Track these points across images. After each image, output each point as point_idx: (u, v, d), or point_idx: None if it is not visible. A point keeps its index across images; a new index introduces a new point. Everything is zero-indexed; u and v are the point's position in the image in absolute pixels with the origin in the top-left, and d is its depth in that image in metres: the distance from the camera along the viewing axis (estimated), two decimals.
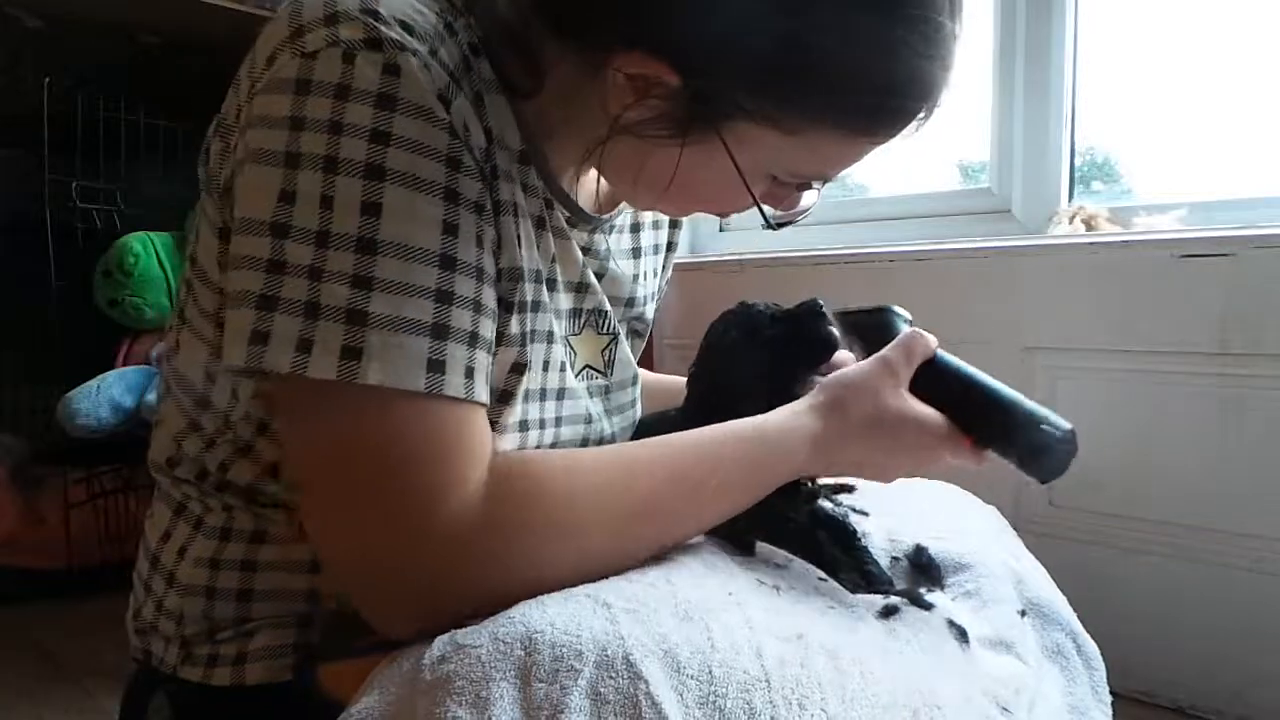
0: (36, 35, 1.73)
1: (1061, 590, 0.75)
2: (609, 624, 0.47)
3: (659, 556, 0.60)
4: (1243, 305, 1.23)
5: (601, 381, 0.76)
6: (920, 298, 1.55)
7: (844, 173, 0.67)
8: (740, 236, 2.08)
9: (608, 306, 0.75)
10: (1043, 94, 1.61)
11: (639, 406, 0.83)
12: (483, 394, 0.55)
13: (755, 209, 0.65)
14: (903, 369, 0.68)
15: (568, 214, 0.68)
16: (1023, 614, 0.66)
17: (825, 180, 0.67)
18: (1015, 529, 0.86)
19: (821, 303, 0.73)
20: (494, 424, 0.60)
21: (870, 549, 0.70)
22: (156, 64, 1.83)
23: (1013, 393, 0.68)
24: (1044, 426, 0.65)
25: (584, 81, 0.60)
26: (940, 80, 0.58)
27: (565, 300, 0.70)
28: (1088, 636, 0.71)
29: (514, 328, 0.61)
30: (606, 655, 0.45)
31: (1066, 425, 0.66)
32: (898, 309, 0.76)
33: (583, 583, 0.53)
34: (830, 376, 0.68)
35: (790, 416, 0.66)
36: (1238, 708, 1.28)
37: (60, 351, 1.72)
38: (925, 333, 0.71)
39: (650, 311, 0.86)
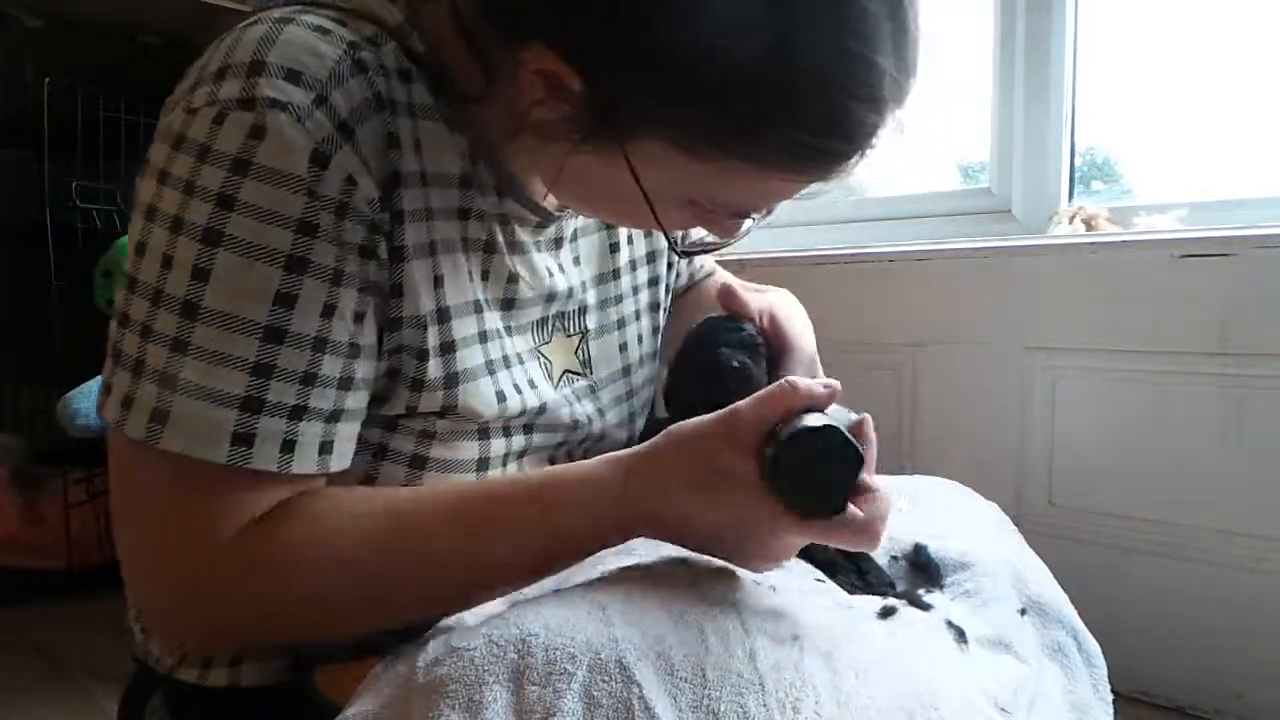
0: (36, 35, 1.73)
1: (1061, 590, 0.75)
2: (603, 626, 0.47)
3: (652, 561, 0.60)
4: (1243, 305, 1.23)
5: (585, 382, 0.75)
6: (920, 298, 1.55)
7: (785, 201, 0.62)
8: None
9: (573, 306, 0.74)
10: (1043, 94, 1.60)
11: (642, 393, 0.83)
12: (307, 465, 0.54)
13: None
14: (749, 421, 0.53)
15: (533, 218, 0.67)
16: (1023, 612, 0.66)
17: (754, 212, 0.63)
18: (1015, 528, 0.86)
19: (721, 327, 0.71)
20: (447, 462, 0.63)
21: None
22: (156, 64, 1.83)
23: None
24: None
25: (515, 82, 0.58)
26: (870, 123, 0.54)
27: (532, 313, 0.70)
28: (1089, 634, 0.70)
29: (433, 372, 0.60)
30: (600, 658, 0.45)
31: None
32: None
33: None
34: (670, 428, 0.57)
35: (599, 469, 0.57)
36: (1238, 708, 1.27)
37: (60, 352, 1.72)
38: (802, 385, 0.54)
39: (659, 267, 0.85)
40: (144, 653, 0.68)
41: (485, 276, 0.65)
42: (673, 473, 0.54)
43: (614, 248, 0.80)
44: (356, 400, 0.57)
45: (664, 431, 0.56)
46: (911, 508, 0.78)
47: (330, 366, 0.55)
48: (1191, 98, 1.56)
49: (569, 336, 0.74)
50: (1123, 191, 1.67)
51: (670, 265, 0.88)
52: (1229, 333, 1.25)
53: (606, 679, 0.44)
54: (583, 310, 0.75)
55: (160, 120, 0.58)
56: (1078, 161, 1.63)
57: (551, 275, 0.71)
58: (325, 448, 0.56)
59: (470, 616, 0.55)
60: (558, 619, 0.48)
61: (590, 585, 0.54)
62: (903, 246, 1.61)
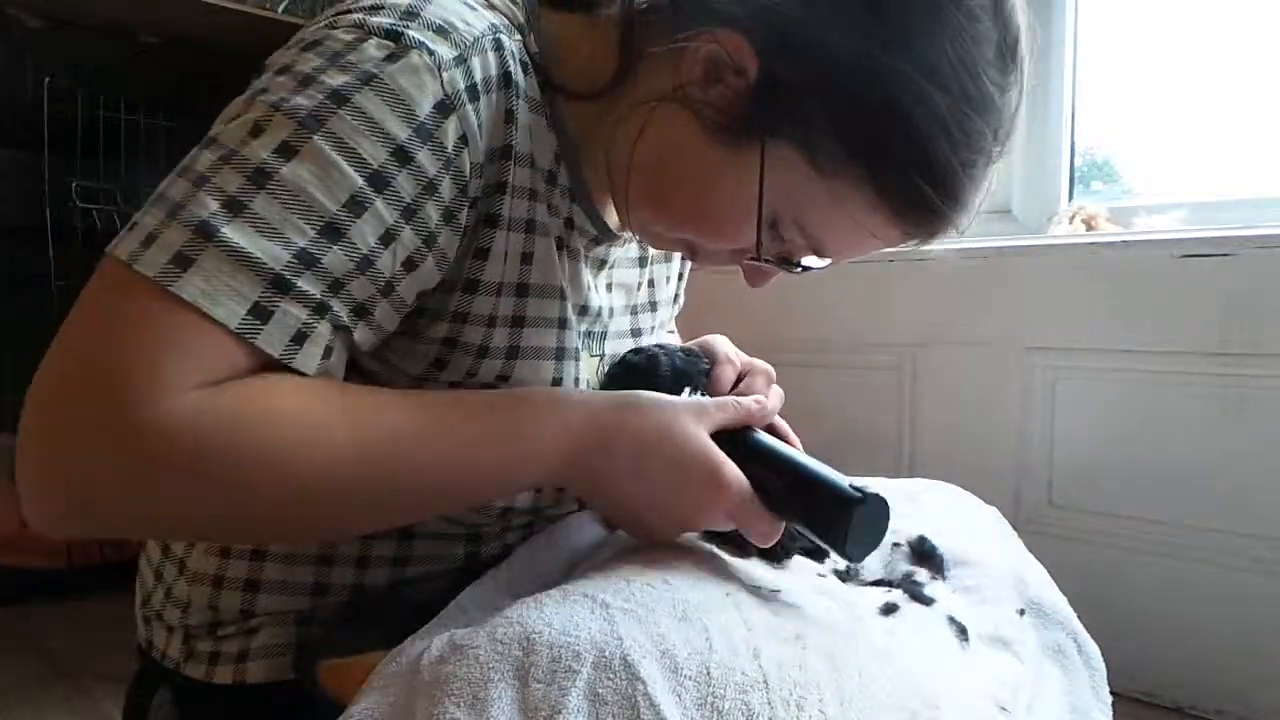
0: (36, 35, 1.73)
1: (1061, 590, 0.75)
2: (607, 624, 0.47)
3: (656, 558, 0.60)
4: (1243, 305, 1.23)
5: None
6: (920, 298, 1.55)
7: (844, 260, 0.66)
8: None
9: (600, 328, 0.75)
10: (1043, 94, 1.60)
11: None
12: (309, 363, 0.52)
13: (742, 259, 0.65)
14: (712, 413, 0.61)
15: (593, 230, 0.68)
16: (1022, 613, 0.66)
17: (824, 254, 0.65)
18: (1015, 529, 0.86)
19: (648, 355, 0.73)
20: None
21: None
22: (156, 64, 1.83)
23: (823, 469, 0.58)
24: (845, 499, 0.55)
25: (662, 71, 0.60)
26: (972, 193, 0.58)
27: (571, 321, 0.70)
28: (1088, 636, 0.70)
29: (498, 339, 0.62)
30: (604, 656, 0.45)
31: (871, 492, 0.56)
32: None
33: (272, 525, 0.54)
34: (639, 395, 0.62)
35: (561, 410, 0.59)
36: (1238, 708, 1.28)
37: None
38: (758, 405, 0.65)
39: (660, 316, 0.85)
40: (148, 643, 0.68)
41: (557, 268, 0.66)
42: (627, 434, 0.59)
43: (639, 285, 0.81)
44: (365, 333, 0.56)
45: (633, 396, 0.61)
46: (911, 508, 0.78)
47: (362, 287, 0.54)
48: (1191, 98, 1.56)
49: (592, 357, 0.74)
50: (1123, 191, 1.67)
51: (675, 298, 0.90)
52: (1229, 333, 1.25)
53: (611, 676, 0.44)
54: (604, 335, 0.76)
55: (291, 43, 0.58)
56: (1078, 161, 1.63)
57: (593, 291, 0.72)
58: (327, 352, 0.53)
59: (476, 612, 0.55)
60: (562, 616, 0.48)
61: (594, 583, 0.54)
62: (903, 246, 1.61)
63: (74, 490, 0.48)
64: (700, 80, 0.58)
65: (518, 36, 0.61)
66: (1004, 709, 0.55)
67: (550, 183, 0.64)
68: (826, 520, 0.56)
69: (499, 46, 0.58)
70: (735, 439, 0.61)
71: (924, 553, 0.69)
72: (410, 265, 0.56)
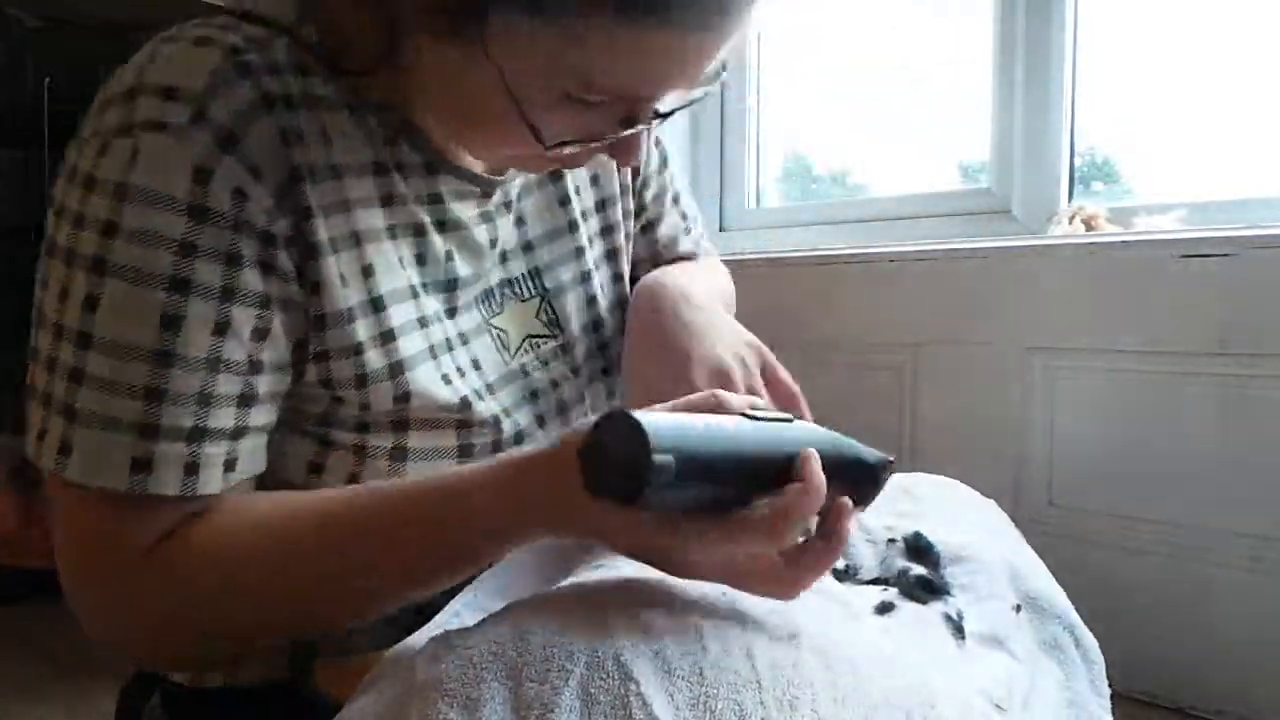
0: (36, 35, 1.73)
1: (1061, 589, 0.75)
2: (600, 624, 0.47)
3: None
4: (1243, 305, 1.23)
5: (553, 344, 0.74)
6: (920, 298, 1.55)
7: (678, 103, 0.58)
8: (740, 236, 2.08)
9: (522, 269, 0.72)
10: (1043, 94, 1.60)
11: (615, 345, 0.78)
12: (214, 484, 0.54)
13: (605, 146, 0.59)
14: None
15: (474, 188, 0.66)
16: (1018, 609, 0.66)
17: (642, 103, 0.57)
18: (1012, 524, 0.86)
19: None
20: (428, 451, 0.62)
21: (857, 531, 0.70)
22: None
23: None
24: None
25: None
26: None
27: (475, 288, 0.68)
28: (1086, 630, 0.70)
29: (374, 363, 0.59)
30: (597, 656, 0.44)
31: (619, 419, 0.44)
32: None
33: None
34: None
35: (481, 482, 0.54)
36: (1238, 708, 1.27)
37: None
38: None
39: (617, 224, 0.81)
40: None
41: (420, 261, 0.63)
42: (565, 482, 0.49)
43: (563, 201, 0.76)
44: (261, 415, 0.57)
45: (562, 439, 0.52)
46: (908, 503, 0.78)
47: (227, 385, 0.54)
48: (1192, 98, 1.56)
49: (524, 301, 0.72)
50: (1123, 191, 1.67)
51: (630, 213, 0.83)
52: (1229, 333, 1.24)
53: (604, 676, 0.44)
54: (536, 272, 0.73)
55: None
56: (1078, 161, 1.63)
57: (495, 244, 0.69)
58: (230, 465, 0.55)
59: (470, 613, 0.55)
60: (555, 617, 0.48)
61: (588, 584, 0.54)
62: (903, 246, 1.61)
63: (137, 648, 0.59)
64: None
65: (283, 40, 0.57)
66: (999, 707, 0.55)
67: (383, 172, 0.61)
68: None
69: (244, 71, 0.54)
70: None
71: (919, 549, 0.69)
72: (261, 334, 0.56)
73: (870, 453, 0.55)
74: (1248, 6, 1.50)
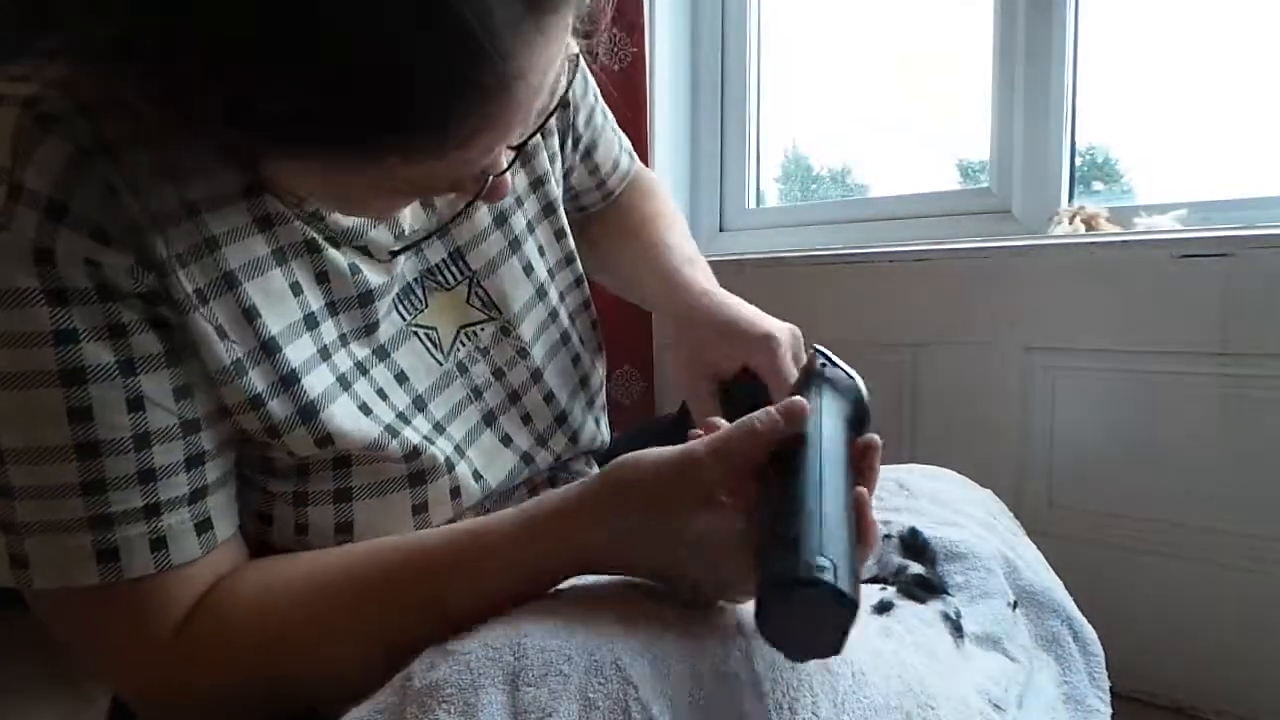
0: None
1: (1059, 581, 0.75)
2: (598, 628, 0.47)
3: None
4: (1243, 305, 1.23)
5: (493, 327, 0.70)
6: (920, 298, 1.55)
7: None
8: (740, 236, 2.08)
9: (439, 257, 0.67)
10: (1043, 94, 1.60)
11: (568, 304, 0.77)
12: (188, 551, 0.53)
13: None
14: (709, 471, 0.48)
15: None
16: (1014, 606, 0.66)
17: (456, 189, 0.53)
18: (1009, 513, 0.86)
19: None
20: (374, 486, 0.60)
21: None
22: None
23: (807, 525, 0.43)
24: (781, 578, 0.41)
25: None
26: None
27: (388, 295, 0.62)
28: (1085, 622, 0.70)
29: (279, 413, 0.54)
30: (595, 660, 0.44)
31: (827, 583, 0.40)
32: (825, 362, 0.58)
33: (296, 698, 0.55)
34: (620, 460, 0.52)
35: (524, 525, 0.53)
36: (1238, 708, 1.27)
37: None
38: (762, 427, 0.49)
39: (557, 192, 0.76)
40: None
41: (321, 279, 0.57)
42: (616, 518, 0.50)
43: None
44: (218, 468, 0.55)
45: (614, 466, 0.51)
46: (903, 497, 0.77)
47: (165, 455, 0.51)
48: (1192, 98, 1.56)
49: (450, 289, 0.67)
50: (1123, 191, 1.67)
51: (556, 158, 0.78)
52: (1229, 333, 1.24)
53: (602, 680, 0.44)
54: (458, 254, 0.68)
55: None
56: (1078, 161, 1.63)
57: (401, 237, 0.63)
58: (203, 526, 0.54)
59: None
60: (553, 621, 0.47)
61: (586, 588, 0.54)
62: (903, 246, 1.61)
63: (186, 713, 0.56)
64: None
65: (56, 80, 0.47)
66: (998, 706, 0.55)
67: (254, 193, 0.54)
68: (761, 591, 0.42)
69: (47, 124, 0.46)
70: (768, 471, 0.49)
71: (916, 546, 0.69)
72: (184, 392, 0.52)
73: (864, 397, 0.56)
74: (1248, 6, 1.50)
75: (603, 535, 0.50)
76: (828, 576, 0.40)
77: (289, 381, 0.55)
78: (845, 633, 0.41)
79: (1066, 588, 0.75)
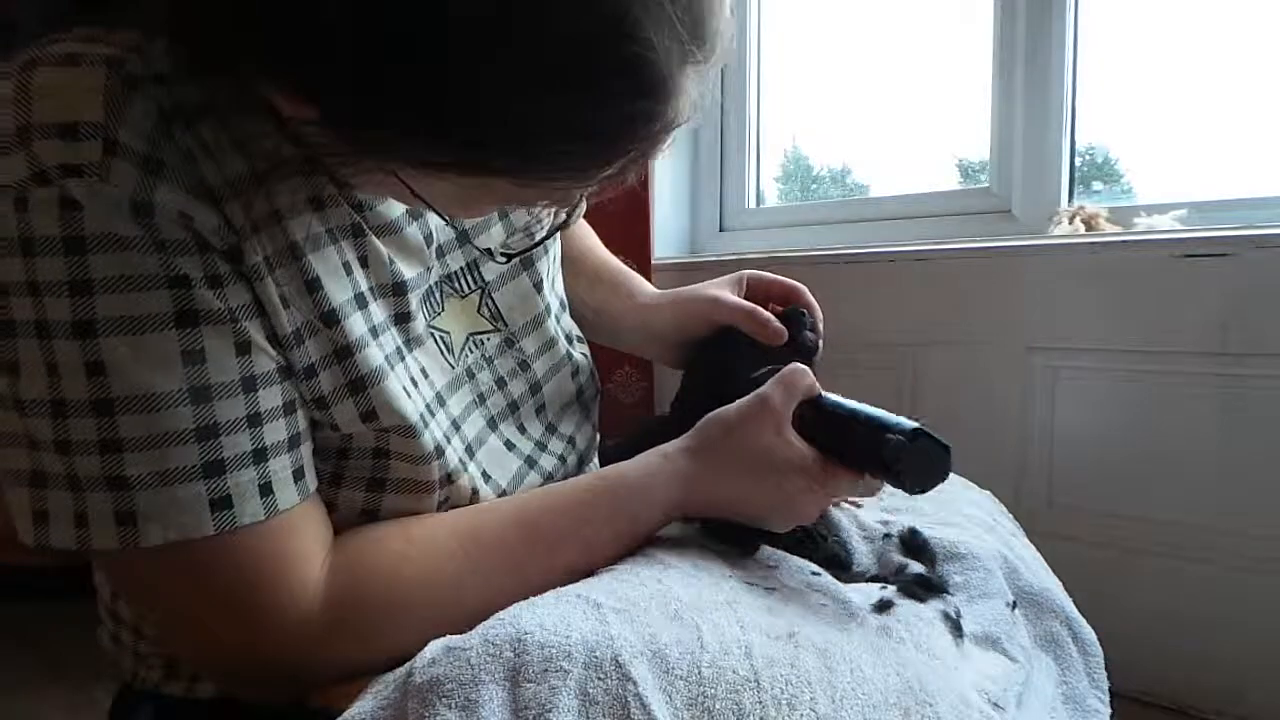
0: (35, 37, 1.73)
1: (1058, 581, 0.75)
2: (598, 624, 0.47)
3: (650, 555, 0.60)
4: (1243, 305, 1.23)
5: (498, 338, 0.71)
6: (920, 298, 1.55)
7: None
8: (740, 236, 2.08)
9: (459, 264, 0.69)
10: (1043, 94, 1.60)
11: (560, 339, 0.77)
12: (290, 497, 0.53)
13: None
14: (780, 406, 0.64)
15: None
16: (1013, 606, 0.66)
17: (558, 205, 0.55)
18: (1009, 514, 0.86)
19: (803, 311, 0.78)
20: (406, 482, 0.60)
21: (852, 527, 0.70)
22: None
23: (887, 416, 0.62)
24: (895, 428, 0.60)
25: None
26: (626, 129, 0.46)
27: (418, 291, 0.63)
28: (1084, 623, 0.70)
29: (327, 384, 0.55)
30: (595, 656, 0.45)
31: (923, 431, 0.59)
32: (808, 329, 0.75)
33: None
34: (709, 415, 0.66)
35: (660, 462, 0.64)
36: (1238, 708, 1.27)
37: None
38: (807, 369, 0.67)
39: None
40: (130, 675, 0.67)
41: (364, 264, 0.59)
42: (725, 461, 0.63)
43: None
44: (304, 419, 0.55)
45: (706, 421, 0.65)
46: (902, 497, 0.78)
47: (269, 398, 0.52)
48: (1192, 98, 1.56)
49: (464, 297, 0.69)
50: (1123, 191, 1.67)
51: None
52: (1229, 333, 1.24)
53: (602, 676, 0.44)
54: (473, 265, 0.70)
55: None
56: (1078, 161, 1.63)
57: (430, 241, 0.64)
58: (298, 474, 0.54)
59: None
60: (553, 617, 0.48)
61: (586, 583, 0.54)
62: (903, 246, 1.61)
63: (292, 692, 0.56)
64: (291, 134, 0.50)
65: (159, 42, 0.49)
66: (997, 705, 0.55)
67: (307, 173, 0.55)
68: (887, 462, 0.59)
69: (134, 85, 0.47)
70: (807, 411, 0.65)
71: (916, 545, 0.69)
72: (275, 341, 0.53)
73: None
74: (1248, 6, 1.50)
75: (710, 470, 0.63)
76: (925, 435, 0.59)
77: (344, 354, 0.56)
78: (948, 469, 0.59)
79: (1066, 587, 0.75)
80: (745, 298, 0.86)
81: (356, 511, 0.60)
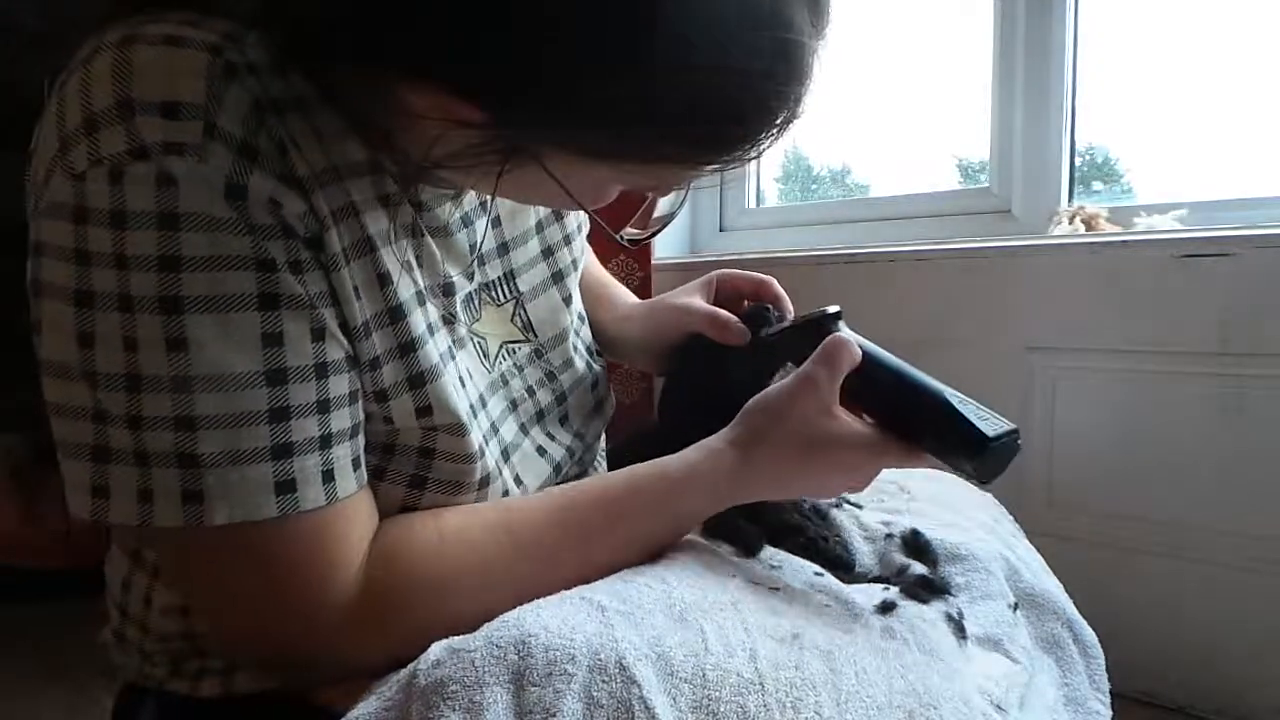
0: (36, 35, 1.73)
1: (1059, 584, 0.75)
2: (603, 627, 0.47)
3: (655, 556, 0.60)
4: (1243, 305, 1.23)
5: (528, 348, 0.72)
6: (920, 298, 1.55)
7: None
8: (740, 236, 2.08)
9: (498, 273, 0.70)
10: (1043, 94, 1.60)
11: (581, 352, 0.79)
12: (349, 486, 0.54)
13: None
14: (826, 383, 0.63)
15: (439, 189, 0.63)
16: (1015, 608, 0.66)
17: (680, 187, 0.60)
18: (1010, 517, 0.86)
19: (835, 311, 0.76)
20: (447, 484, 0.61)
21: (854, 528, 0.70)
22: None
23: (946, 391, 0.62)
24: (979, 426, 0.59)
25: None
26: (766, 110, 0.51)
27: (462, 296, 0.65)
28: (1085, 625, 0.70)
29: (389, 377, 0.56)
30: (600, 659, 0.44)
31: (1007, 425, 0.61)
32: (829, 311, 0.75)
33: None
34: (751, 402, 0.65)
35: (704, 456, 0.63)
36: (1238, 708, 1.27)
37: None
38: (848, 337, 0.65)
39: (576, 235, 0.81)
40: (135, 672, 0.67)
41: (420, 263, 0.60)
42: (777, 449, 0.62)
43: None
44: (361, 410, 0.56)
45: (751, 407, 0.64)
46: (904, 499, 0.78)
47: (337, 386, 0.53)
48: (1192, 98, 1.56)
49: (500, 306, 0.70)
50: (1123, 191, 1.67)
51: (580, 226, 0.84)
52: (1229, 333, 1.25)
53: (606, 679, 0.44)
54: (510, 275, 0.71)
55: (29, 197, 0.51)
56: (1078, 161, 1.63)
57: (474, 249, 0.66)
58: (356, 463, 0.55)
59: None
60: (557, 620, 0.48)
61: (590, 586, 0.54)
62: (903, 246, 1.61)
63: (332, 678, 0.57)
64: (439, 137, 0.51)
65: (253, 34, 0.51)
66: (1000, 707, 0.55)
67: (376, 170, 0.57)
68: (961, 452, 0.60)
69: (232, 73, 0.48)
70: (855, 383, 0.64)
71: (918, 547, 0.69)
72: (346, 329, 0.54)
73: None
74: (1248, 6, 1.50)
75: (762, 460, 0.62)
76: (1008, 433, 0.60)
77: (406, 349, 0.57)
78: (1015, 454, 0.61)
79: (1066, 588, 0.75)
80: (718, 297, 0.87)
81: (395, 508, 0.60)
